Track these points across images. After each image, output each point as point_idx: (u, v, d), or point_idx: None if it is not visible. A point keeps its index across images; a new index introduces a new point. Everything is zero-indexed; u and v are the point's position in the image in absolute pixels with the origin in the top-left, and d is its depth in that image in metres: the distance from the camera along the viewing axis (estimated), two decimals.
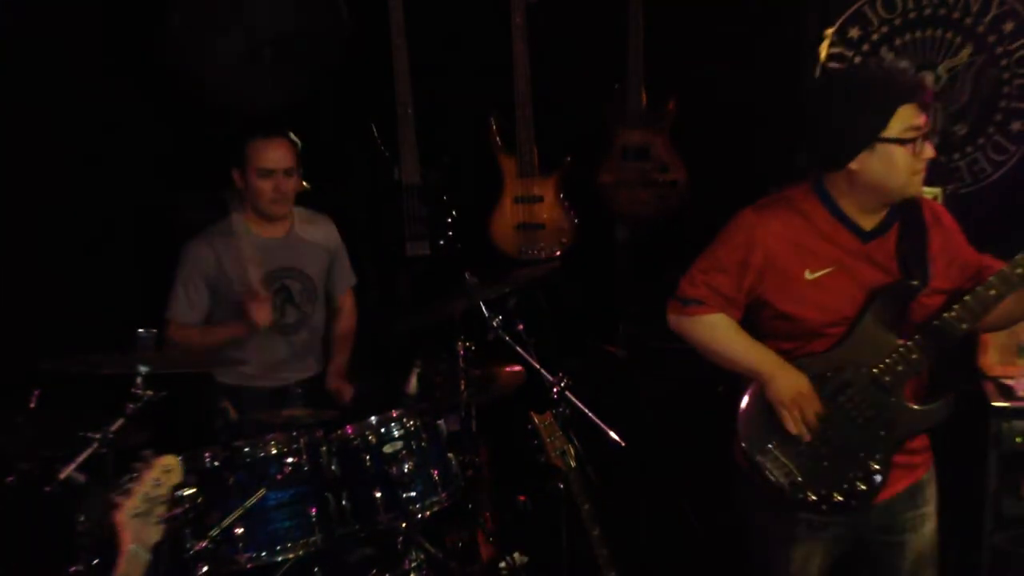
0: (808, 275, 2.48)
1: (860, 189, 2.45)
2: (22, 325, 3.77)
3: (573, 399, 3.22)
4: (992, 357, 3.59)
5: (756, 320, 2.58)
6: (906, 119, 2.36)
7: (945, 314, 2.43)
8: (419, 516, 3.15)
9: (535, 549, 3.55)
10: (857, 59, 4.12)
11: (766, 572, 2.67)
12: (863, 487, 2.50)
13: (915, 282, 2.45)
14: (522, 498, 3.77)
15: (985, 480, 3.40)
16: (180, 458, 2.36)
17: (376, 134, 4.39)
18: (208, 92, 4.23)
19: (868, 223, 2.49)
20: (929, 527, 2.64)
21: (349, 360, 3.84)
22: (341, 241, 3.81)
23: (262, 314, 3.45)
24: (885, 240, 2.50)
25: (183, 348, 3.47)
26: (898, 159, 2.38)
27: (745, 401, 2.56)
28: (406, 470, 3.11)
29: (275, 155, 3.50)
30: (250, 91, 4.26)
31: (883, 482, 2.50)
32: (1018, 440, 3.36)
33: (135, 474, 2.20)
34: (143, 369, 2.78)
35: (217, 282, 3.53)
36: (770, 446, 2.52)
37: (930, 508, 2.64)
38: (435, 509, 3.18)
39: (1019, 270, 2.40)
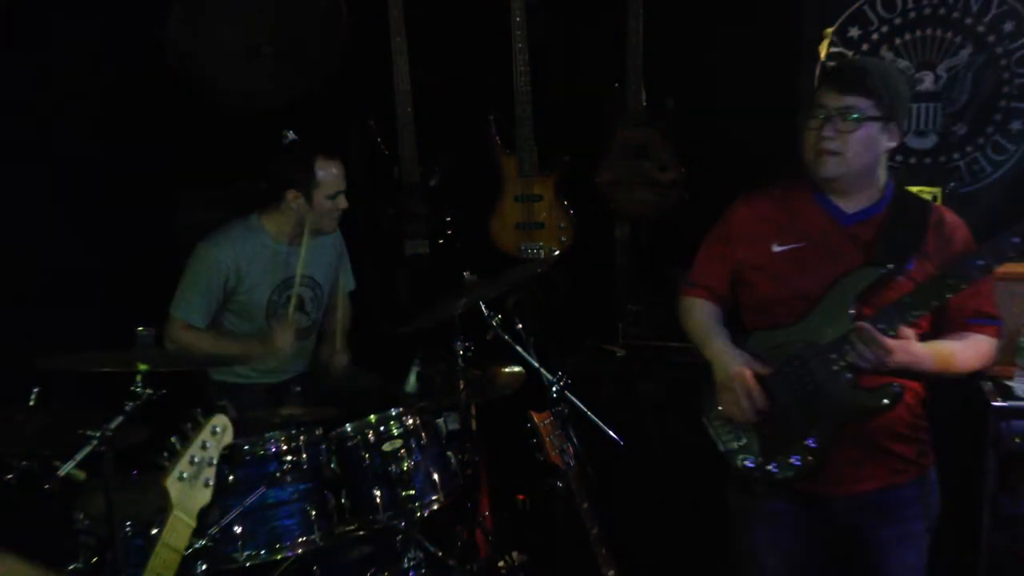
0: (775, 247, 2.60)
1: None
2: (22, 323, 3.77)
3: (572, 398, 3.22)
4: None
5: (735, 290, 2.73)
6: (817, 97, 2.53)
7: (899, 299, 2.45)
8: (418, 515, 3.15)
9: (534, 548, 3.55)
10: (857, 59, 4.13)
11: (738, 551, 2.75)
12: (795, 462, 2.56)
13: (887, 267, 2.48)
14: (521, 497, 3.78)
15: (984, 480, 3.40)
16: (230, 418, 2.28)
17: (376, 134, 4.39)
18: (208, 91, 4.24)
19: (850, 207, 2.59)
20: (914, 547, 2.63)
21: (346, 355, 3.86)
22: (345, 245, 3.84)
23: (284, 340, 3.51)
24: (867, 226, 2.57)
25: (184, 349, 3.47)
26: (805, 134, 2.55)
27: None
28: (405, 469, 3.12)
29: (341, 175, 3.56)
30: (250, 90, 4.27)
31: (817, 462, 2.54)
32: (1017, 440, 3.35)
33: (183, 435, 2.08)
34: (142, 367, 2.78)
35: (233, 287, 3.53)
36: (719, 407, 2.67)
37: (915, 526, 2.63)
38: (434, 508, 3.18)
39: (980, 261, 2.41)
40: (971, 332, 2.57)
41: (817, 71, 4.12)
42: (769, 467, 2.60)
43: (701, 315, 2.76)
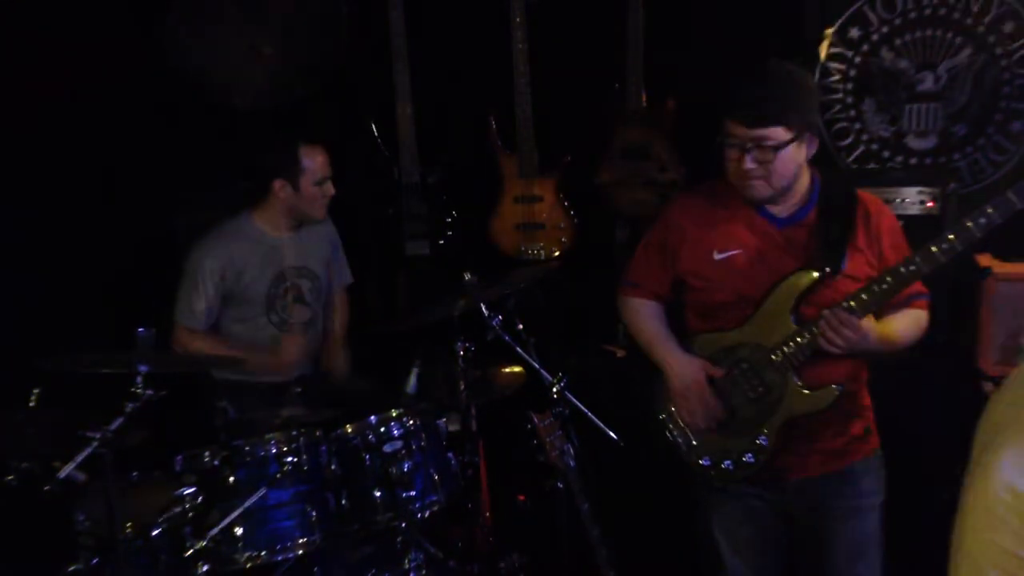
0: (716, 255, 2.66)
1: None
2: (22, 324, 3.77)
3: (572, 399, 3.21)
4: (992, 357, 3.59)
5: (679, 293, 2.79)
6: (727, 127, 2.54)
7: (843, 303, 2.53)
8: (418, 515, 3.15)
9: (534, 549, 3.55)
10: (857, 59, 4.13)
11: (704, 539, 2.85)
12: (748, 459, 2.67)
13: (824, 269, 2.56)
14: (521, 498, 3.77)
15: None
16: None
17: (376, 134, 4.39)
18: (207, 91, 4.23)
19: (782, 210, 2.63)
20: (866, 521, 2.72)
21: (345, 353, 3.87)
22: (338, 236, 3.85)
23: (292, 352, 3.54)
24: (800, 227, 2.63)
25: (192, 354, 3.49)
26: (724, 160, 2.58)
27: None
28: (405, 470, 3.12)
29: (326, 161, 3.58)
30: (250, 90, 4.27)
31: (768, 458, 2.65)
32: None
33: None
34: (143, 368, 2.78)
35: (230, 284, 3.54)
36: (673, 409, 2.77)
37: (867, 501, 2.72)
38: (434, 508, 3.18)
39: (912, 267, 2.48)
40: (910, 308, 2.68)
41: (817, 72, 4.13)
42: (723, 465, 2.71)
43: (649, 319, 2.83)
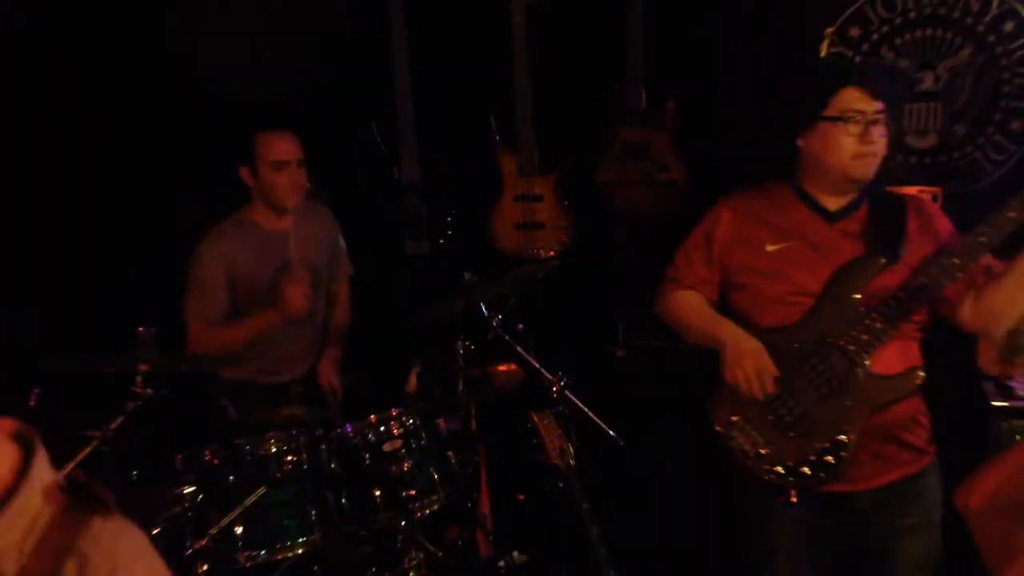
0: (769, 247, 2.60)
1: (810, 168, 2.58)
2: (22, 323, 3.77)
3: (572, 398, 3.22)
4: (992, 357, 3.59)
5: (728, 294, 2.70)
6: (847, 101, 2.49)
7: (910, 283, 2.49)
8: (418, 515, 3.14)
9: (534, 548, 3.55)
10: (857, 59, 4.12)
11: (749, 546, 2.74)
12: (831, 459, 2.52)
13: (883, 258, 2.52)
14: (521, 497, 3.77)
15: None
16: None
17: (376, 133, 4.39)
18: (208, 90, 4.23)
19: (834, 204, 2.60)
20: (926, 538, 2.63)
21: (341, 356, 3.84)
22: (339, 227, 3.84)
23: (299, 297, 3.41)
24: (852, 220, 2.60)
25: (212, 349, 3.44)
26: (835, 139, 2.50)
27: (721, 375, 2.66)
28: (405, 469, 3.11)
29: (286, 147, 3.53)
30: (250, 89, 4.27)
31: (851, 456, 2.51)
32: (1018, 439, 3.35)
33: None
34: (143, 367, 2.78)
35: (234, 280, 3.53)
36: (736, 418, 2.62)
37: (928, 518, 2.63)
38: (434, 508, 3.18)
39: (983, 238, 2.43)
40: None
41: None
42: (803, 469, 2.55)
43: (698, 303, 2.72)
